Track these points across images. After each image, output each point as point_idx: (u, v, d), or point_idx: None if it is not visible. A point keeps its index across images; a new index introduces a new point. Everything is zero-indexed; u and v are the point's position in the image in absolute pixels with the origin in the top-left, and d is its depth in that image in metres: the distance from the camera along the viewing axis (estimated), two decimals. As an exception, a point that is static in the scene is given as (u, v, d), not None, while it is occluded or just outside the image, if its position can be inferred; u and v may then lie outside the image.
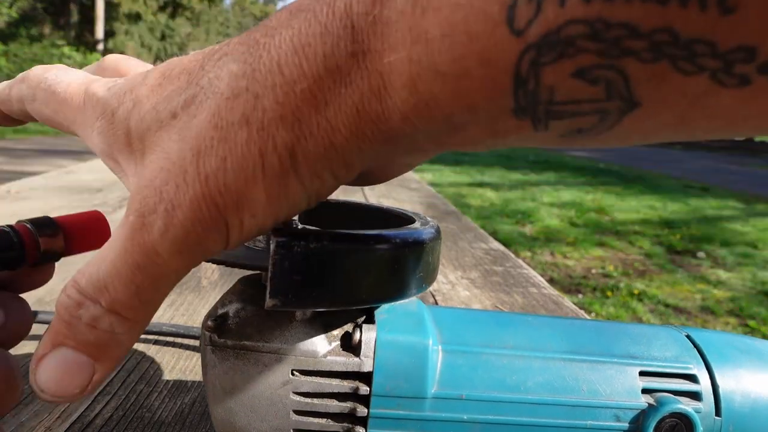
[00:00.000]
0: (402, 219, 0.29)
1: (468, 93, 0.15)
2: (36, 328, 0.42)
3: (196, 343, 0.42)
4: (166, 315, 0.47)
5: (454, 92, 0.15)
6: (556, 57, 0.13)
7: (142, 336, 0.42)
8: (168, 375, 0.37)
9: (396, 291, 0.23)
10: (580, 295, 2.53)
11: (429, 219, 0.27)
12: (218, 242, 0.18)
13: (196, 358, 0.40)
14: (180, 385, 0.36)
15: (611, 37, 0.13)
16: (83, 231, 0.24)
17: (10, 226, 0.22)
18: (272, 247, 0.20)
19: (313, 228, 0.22)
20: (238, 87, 0.17)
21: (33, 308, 0.46)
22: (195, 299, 0.51)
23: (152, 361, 0.39)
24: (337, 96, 0.16)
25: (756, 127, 0.14)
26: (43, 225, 0.23)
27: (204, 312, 0.48)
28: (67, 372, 0.18)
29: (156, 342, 0.42)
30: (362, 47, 0.16)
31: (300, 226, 0.23)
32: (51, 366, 0.18)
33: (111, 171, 0.21)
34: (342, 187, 1.08)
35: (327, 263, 0.20)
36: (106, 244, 0.18)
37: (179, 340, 0.42)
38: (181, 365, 0.38)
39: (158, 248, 0.17)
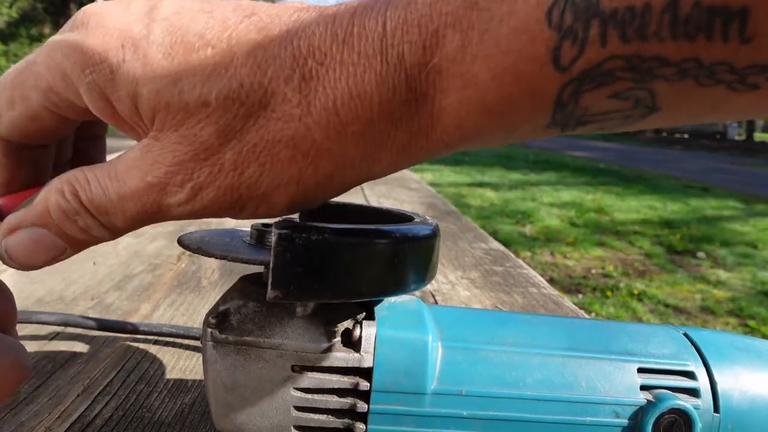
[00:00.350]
0: (402, 218, 0.29)
1: (511, 122, 0.17)
2: (35, 329, 0.42)
3: (196, 343, 0.42)
4: (166, 315, 0.47)
5: (499, 123, 0.17)
6: (595, 86, 0.15)
7: (142, 336, 0.42)
8: (168, 375, 0.37)
9: (396, 285, 0.23)
10: (580, 295, 2.53)
11: (428, 218, 0.28)
12: (228, 216, 0.20)
13: (196, 358, 0.40)
14: (180, 385, 0.36)
15: (645, 68, 0.14)
16: None
17: None
18: (274, 239, 0.20)
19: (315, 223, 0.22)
20: (291, 114, 0.17)
21: (32, 308, 0.46)
22: (195, 299, 0.51)
23: (152, 361, 0.39)
24: (386, 137, 0.18)
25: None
26: None
27: (204, 312, 0.48)
28: (40, 249, 0.20)
29: (156, 342, 0.42)
30: (415, 95, 0.17)
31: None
32: (26, 238, 0.20)
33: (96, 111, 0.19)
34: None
35: (328, 256, 0.21)
36: (112, 172, 0.19)
37: (179, 340, 0.42)
38: (181, 365, 0.39)
39: (172, 210, 0.19)
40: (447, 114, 0.17)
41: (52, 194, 0.19)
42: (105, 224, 0.19)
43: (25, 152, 0.23)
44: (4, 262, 0.20)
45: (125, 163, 0.19)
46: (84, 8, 0.19)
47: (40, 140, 0.22)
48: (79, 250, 0.21)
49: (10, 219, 0.20)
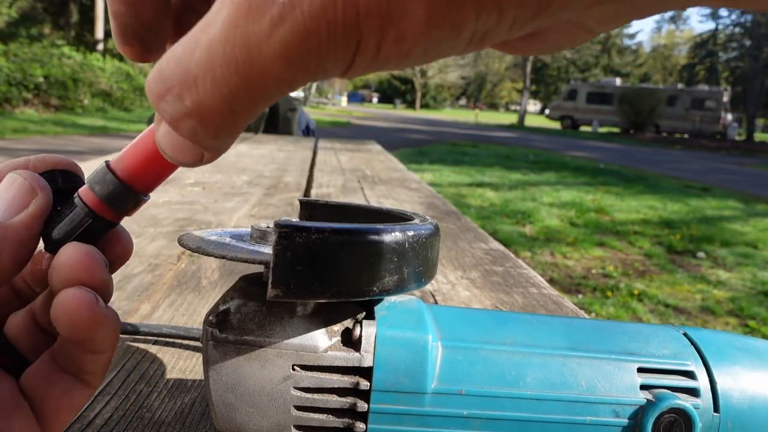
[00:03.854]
0: (402, 218, 0.29)
1: None
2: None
3: (196, 343, 0.42)
4: (166, 315, 0.47)
5: None
6: None
7: (142, 336, 0.42)
8: (168, 375, 0.37)
9: (396, 284, 0.23)
10: (580, 296, 2.53)
11: (428, 218, 0.28)
12: (339, 63, 0.14)
13: (196, 358, 0.40)
14: (180, 385, 0.36)
15: None
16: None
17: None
18: (275, 238, 0.20)
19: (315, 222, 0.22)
20: None
21: None
22: (195, 299, 0.51)
23: (152, 361, 0.39)
24: None
25: None
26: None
27: (204, 312, 0.48)
28: (177, 146, 0.17)
29: (156, 342, 0.42)
30: None
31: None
32: (166, 133, 0.17)
33: None
34: (342, 188, 1.09)
35: (328, 255, 0.21)
36: (201, 24, 0.14)
37: (179, 340, 0.42)
38: (181, 365, 0.39)
39: (264, 46, 0.13)
40: None
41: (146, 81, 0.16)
42: (190, 105, 0.15)
43: None
44: (163, 154, 0.18)
45: (217, 1, 0.14)
46: None
47: None
48: (210, 153, 0.17)
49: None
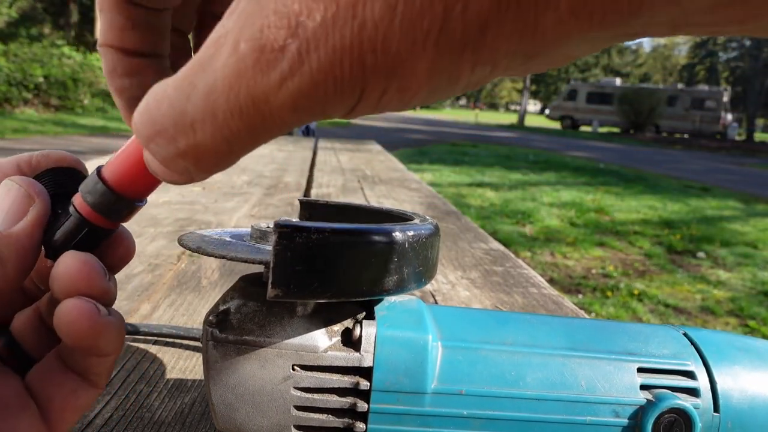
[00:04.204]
0: (402, 218, 0.29)
1: None
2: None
3: (196, 343, 0.42)
4: (165, 315, 0.47)
5: None
6: None
7: (142, 336, 0.42)
8: (168, 375, 0.37)
9: (396, 284, 0.23)
10: (580, 296, 2.53)
11: (428, 218, 0.28)
12: (341, 109, 0.14)
13: (196, 358, 0.40)
14: (180, 385, 0.36)
15: None
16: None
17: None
18: (275, 238, 0.20)
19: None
20: None
21: None
22: (195, 299, 0.51)
23: (152, 361, 0.39)
24: None
25: None
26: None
27: (204, 312, 0.48)
28: (159, 169, 0.17)
29: (156, 342, 0.42)
30: None
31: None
32: (148, 157, 0.17)
33: None
34: (342, 188, 1.09)
35: (328, 254, 0.21)
36: (194, 66, 0.14)
37: (179, 340, 0.42)
38: (181, 365, 0.39)
39: (271, 98, 0.14)
40: None
41: (133, 117, 0.16)
42: (184, 148, 0.15)
43: (138, 11, 0.21)
44: (154, 174, 0.18)
45: (213, 42, 0.14)
46: None
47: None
48: (192, 181, 0.17)
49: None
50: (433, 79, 0.14)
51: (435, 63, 0.13)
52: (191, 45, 0.25)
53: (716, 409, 0.26)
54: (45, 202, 0.21)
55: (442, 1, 0.12)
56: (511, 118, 30.09)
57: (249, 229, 0.28)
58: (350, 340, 0.24)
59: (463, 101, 50.31)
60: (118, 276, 0.55)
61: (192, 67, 0.14)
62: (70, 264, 0.20)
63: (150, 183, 0.20)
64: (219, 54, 0.14)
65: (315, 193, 1.10)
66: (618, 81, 22.96)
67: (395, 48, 0.13)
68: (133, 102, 0.21)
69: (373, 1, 0.12)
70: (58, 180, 0.22)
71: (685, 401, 0.25)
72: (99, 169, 0.20)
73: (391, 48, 0.13)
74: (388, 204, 1.03)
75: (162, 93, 0.15)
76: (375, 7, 0.12)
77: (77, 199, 0.21)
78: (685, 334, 0.28)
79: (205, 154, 0.15)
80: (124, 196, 0.20)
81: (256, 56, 0.13)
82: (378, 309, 0.26)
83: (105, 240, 0.22)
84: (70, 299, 0.19)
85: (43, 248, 0.21)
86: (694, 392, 0.26)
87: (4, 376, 0.21)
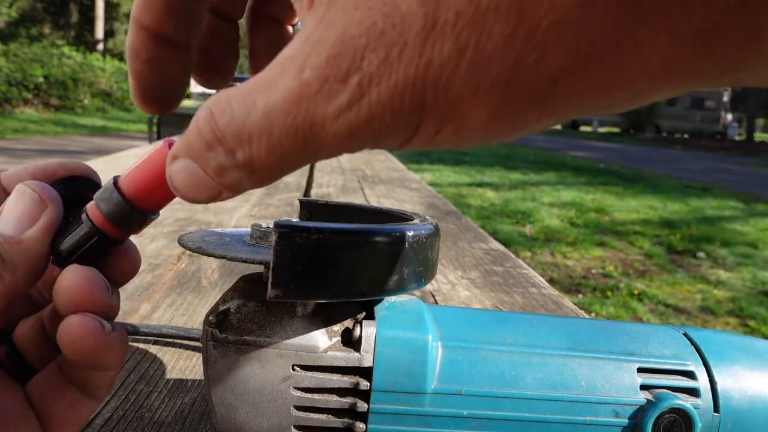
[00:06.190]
0: (402, 218, 0.29)
1: None
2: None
3: (196, 343, 0.42)
4: (166, 315, 0.47)
5: None
6: None
7: (142, 336, 0.42)
8: (168, 375, 0.37)
9: (396, 284, 0.23)
10: (580, 295, 2.53)
11: (428, 218, 0.28)
12: (395, 142, 0.14)
13: (196, 358, 0.40)
14: (180, 385, 0.36)
15: None
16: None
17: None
18: (275, 238, 0.20)
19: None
20: None
21: None
22: (195, 299, 0.51)
23: (152, 361, 0.39)
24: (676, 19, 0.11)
25: None
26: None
27: (204, 312, 0.48)
28: (195, 184, 0.17)
29: (156, 342, 0.42)
30: None
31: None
32: (182, 170, 0.17)
33: None
34: (342, 188, 1.09)
35: (328, 255, 0.21)
36: (259, 84, 0.15)
37: (179, 340, 0.42)
38: (181, 365, 0.39)
39: (328, 125, 0.14)
40: None
41: (195, 119, 0.16)
42: (241, 160, 0.15)
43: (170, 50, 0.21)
44: (173, 191, 0.18)
45: (278, 64, 0.14)
46: None
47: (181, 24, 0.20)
48: (235, 193, 0.17)
49: (176, 143, 0.17)
50: (493, 125, 0.13)
51: (497, 110, 0.13)
52: (246, 43, 0.25)
53: (716, 409, 0.26)
54: (57, 208, 0.21)
55: (515, 51, 0.12)
56: (511, 118, 30.00)
57: (249, 229, 0.28)
58: (350, 340, 0.24)
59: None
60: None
61: (255, 85, 0.15)
62: (72, 279, 0.19)
63: (166, 196, 0.20)
64: (283, 77, 0.14)
65: (315, 193, 1.10)
66: (618, 81, 22.87)
67: (457, 90, 0.13)
68: (146, 89, 0.21)
69: (444, 42, 0.12)
70: (72, 188, 0.22)
71: (685, 401, 0.25)
72: (116, 179, 0.20)
73: (452, 89, 0.13)
74: (388, 204, 1.03)
75: (225, 104, 0.15)
76: (444, 48, 0.12)
77: (90, 208, 0.21)
78: (685, 334, 0.28)
79: (259, 167, 0.15)
80: (139, 208, 0.20)
81: (319, 85, 0.13)
82: (378, 309, 0.26)
83: (112, 251, 0.22)
84: (74, 315, 0.19)
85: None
86: (694, 392, 0.26)
87: (5, 384, 0.21)
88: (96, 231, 0.21)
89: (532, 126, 0.14)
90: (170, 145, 0.19)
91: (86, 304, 0.19)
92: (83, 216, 0.21)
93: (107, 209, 0.20)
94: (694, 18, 0.11)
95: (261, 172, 0.15)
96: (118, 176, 0.21)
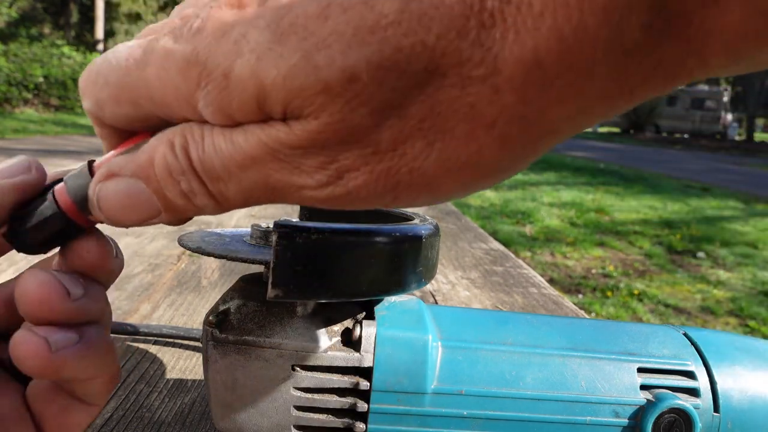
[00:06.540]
0: (402, 218, 0.29)
1: None
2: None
3: (196, 343, 0.42)
4: (166, 315, 0.47)
5: None
6: None
7: (142, 336, 0.42)
8: (168, 375, 0.37)
9: (396, 284, 0.23)
10: (580, 296, 2.53)
11: (428, 218, 0.28)
12: (375, 206, 0.16)
13: (196, 358, 0.40)
14: (180, 385, 0.36)
15: None
16: None
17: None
18: (275, 238, 0.20)
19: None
20: (470, 76, 0.14)
21: None
22: (195, 299, 0.51)
23: (152, 361, 0.39)
24: (610, 82, 0.13)
25: None
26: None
27: (204, 312, 0.48)
28: (134, 205, 0.17)
29: (156, 342, 0.42)
30: (664, 14, 0.12)
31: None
32: (121, 189, 0.17)
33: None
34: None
35: (328, 255, 0.21)
36: (239, 134, 0.15)
37: (179, 340, 0.42)
38: (181, 365, 0.39)
39: (305, 192, 0.15)
40: (717, 33, 0.12)
41: (162, 145, 0.16)
42: (213, 192, 0.16)
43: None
44: (93, 212, 0.18)
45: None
46: (191, 10, 0.16)
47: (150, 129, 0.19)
48: (175, 219, 0.17)
49: (112, 162, 0.17)
50: (465, 190, 0.16)
51: (467, 184, 0.15)
52: None
53: (716, 409, 0.26)
54: (39, 177, 0.19)
55: (477, 140, 0.14)
56: (511, 118, 30.00)
57: (249, 229, 0.28)
58: (350, 340, 0.24)
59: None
60: (118, 277, 0.55)
61: (230, 134, 0.15)
62: (27, 286, 0.18)
63: None
64: (255, 142, 0.15)
65: (315, 193, 1.10)
66: (618, 81, 22.86)
67: (430, 174, 0.14)
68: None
69: (414, 144, 0.14)
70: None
71: (685, 401, 0.25)
72: (90, 162, 0.19)
73: (426, 174, 0.14)
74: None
75: (199, 138, 0.16)
76: (417, 148, 0.14)
77: (59, 188, 0.19)
78: (685, 334, 0.28)
79: (225, 202, 0.16)
80: None
81: (296, 166, 0.15)
82: (378, 309, 0.26)
83: (72, 238, 0.20)
84: (20, 332, 0.18)
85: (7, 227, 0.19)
86: (694, 392, 0.26)
87: (5, 384, 0.20)
88: (58, 213, 0.19)
89: (498, 181, 0.16)
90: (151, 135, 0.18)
91: (43, 313, 0.18)
92: (49, 195, 0.19)
93: (75, 190, 0.19)
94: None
95: (226, 203, 0.16)
96: (94, 160, 0.19)
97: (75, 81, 10.62)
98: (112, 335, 0.42)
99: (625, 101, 0.14)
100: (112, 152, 0.19)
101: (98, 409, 0.21)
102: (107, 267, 0.20)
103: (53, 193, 0.19)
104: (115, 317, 0.45)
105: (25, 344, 0.17)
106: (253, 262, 0.22)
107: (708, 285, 2.81)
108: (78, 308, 0.18)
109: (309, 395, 0.24)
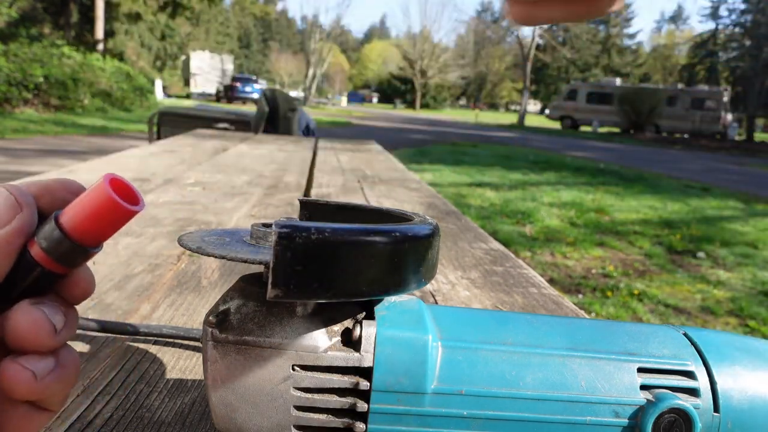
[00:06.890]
0: (402, 218, 0.29)
1: None
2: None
3: (196, 343, 0.42)
4: (166, 315, 0.47)
5: None
6: None
7: (142, 336, 0.42)
8: (168, 375, 0.37)
9: (396, 284, 0.23)
10: (580, 295, 2.52)
11: (428, 218, 0.28)
12: None
13: (196, 358, 0.40)
14: (180, 385, 0.36)
15: None
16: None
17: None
18: (274, 238, 0.20)
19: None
20: None
21: None
22: (195, 299, 0.51)
23: (152, 361, 0.39)
24: None
25: None
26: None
27: (204, 312, 0.48)
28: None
29: (156, 342, 0.42)
30: None
31: None
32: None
33: None
34: (342, 188, 1.09)
35: (328, 255, 0.21)
36: None
37: (179, 340, 0.42)
38: (181, 365, 0.39)
39: None
40: None
41: None
42: None
43: None
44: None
45: None
46: None
47: None
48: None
49: None
50: None
51: None
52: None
53: (716, 409, 0.26)
54: (31, 212, 0.21)
55: None
56: (511, 118, 30.07)
57: (249, 229, 0.28)
58: (350, 340, 0.24)
59: (463, 101, 50.26)
60: (118, 277, 0.55)
61: None
62: (19, 324, 0.20)
63: (106, 231, 0.21)
64: None
65: (315, 193, 1.10)
66: (618, 81, 22.92)
67: None
68: None
69: None
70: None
71: (685, 401, 0.25)
72: (56, 215, 0.21)
73: None
74: (388, 204, 1.03)
75: None
76: None
77: (32, 244, 0.21)
78: (685, 334, 0.28)
79: None
80: (80, 243, 0.21)
81: None
82: (378, 309, 0.26)
83: (59, 282, 0.22)
84: (9, 362, 0.20)
85: None
86: (694, 392, 0.26)
87: None
88: (38, 266, 0.21)
89: None
90: (111, 180, 0.20)
91: (32, 346, 0.20)
92: (26, 252, 0.21)
93: (48, 245, 0.21)
94: None
95: None
96: (60, 212, 0.21)
97: (75, 81, 10.62)
98: (112, 335, 0.42)
99: None
100: (77, 199, 0.21)
101: (54, 414, 0.23)
102: (88, 296, 0.23)
103: (28, 252, 0.21)
104: (115, 317, 0.45)
105: (15, 376, 0.20)
106: (253, 262, 0.22)
107: (708, 285, 2.81)
108: (60, 340, 0.21)
109: (309, 395, 0.24)
